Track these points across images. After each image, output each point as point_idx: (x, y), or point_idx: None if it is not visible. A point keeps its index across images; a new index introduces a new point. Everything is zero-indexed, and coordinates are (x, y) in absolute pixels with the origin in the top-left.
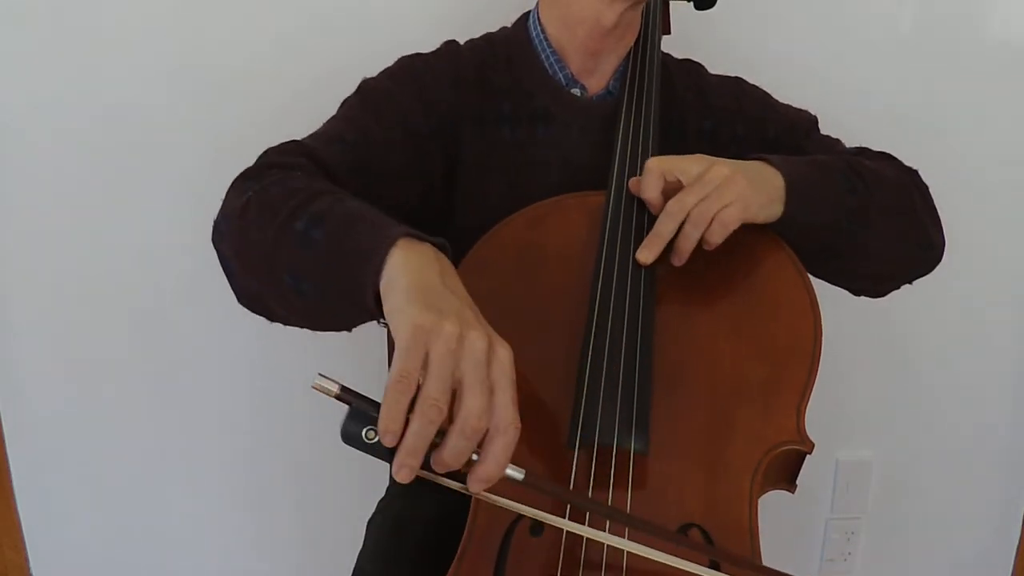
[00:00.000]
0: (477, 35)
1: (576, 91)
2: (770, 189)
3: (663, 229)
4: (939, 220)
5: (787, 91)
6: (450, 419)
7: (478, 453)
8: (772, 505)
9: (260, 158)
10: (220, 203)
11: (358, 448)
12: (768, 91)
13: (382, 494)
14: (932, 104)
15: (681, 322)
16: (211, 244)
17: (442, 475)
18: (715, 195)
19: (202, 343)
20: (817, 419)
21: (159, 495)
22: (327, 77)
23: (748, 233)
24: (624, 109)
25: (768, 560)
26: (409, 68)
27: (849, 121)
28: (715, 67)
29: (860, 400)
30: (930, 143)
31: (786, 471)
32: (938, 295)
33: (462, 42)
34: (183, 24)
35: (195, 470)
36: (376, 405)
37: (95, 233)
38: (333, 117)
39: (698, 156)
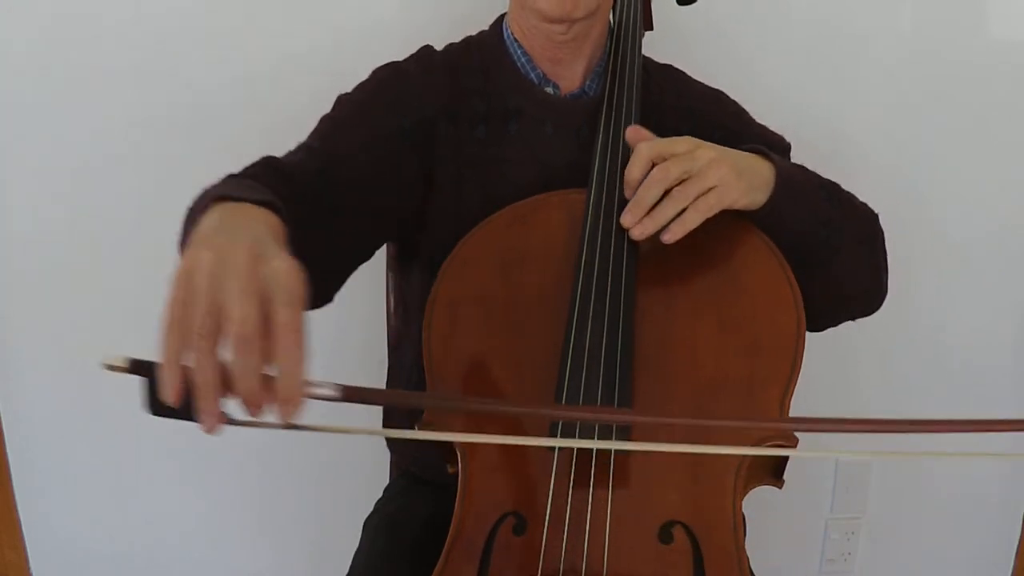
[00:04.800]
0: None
1: (549, 89)
2: (755, 177)
3: (646, 195)
4: (887, 266)
5: (783, 89)
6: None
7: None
8: (772, 505)
9: None
10: None
11: (170, 417)
12: (766, 88)
13: (380, 494)
14: (931, 104)
15: (663, 318)
16: None
17: (255, 419)
18: (699, 176)
19: None
20: None
21: (159, 496)
22: (326, 90)
23: (730, 227)
24: (604, 107)
25: (768, 560)
26: (381, 79)
27: (844, 119)
28: (705, 63)
29: (860, 400)
30: (930, 143)
31: (771, 467)
32: (938, 295)
33: (440, 47)
34: (189, 33)
35: (194, 470)
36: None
37: (96, 232)
38: (311, 133)
39: (687, 137)
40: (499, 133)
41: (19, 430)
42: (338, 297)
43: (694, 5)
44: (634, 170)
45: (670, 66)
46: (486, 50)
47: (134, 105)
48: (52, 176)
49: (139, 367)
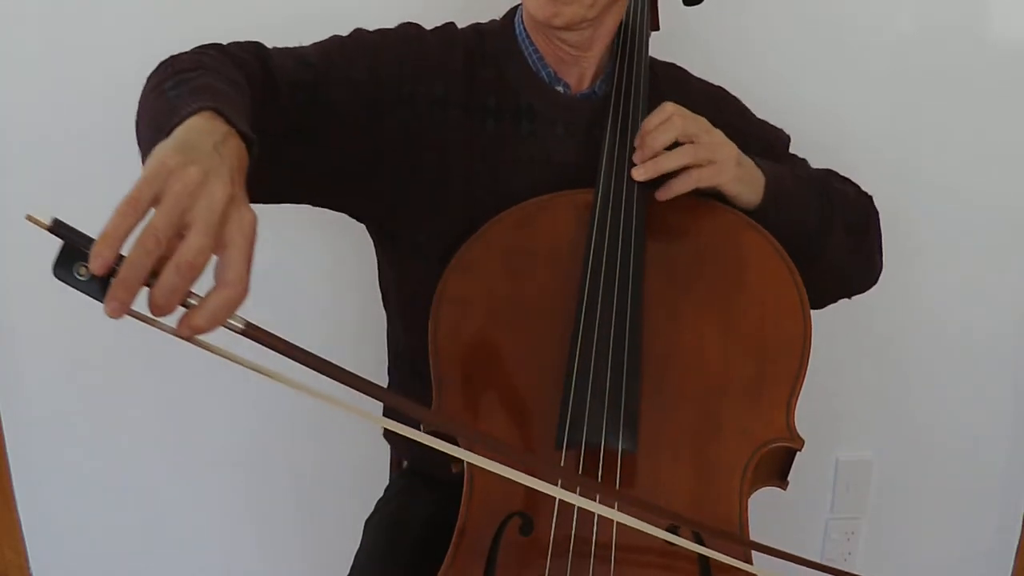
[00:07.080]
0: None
1: (560, 88)
2: (750, 173)
3: (659, 138)
4: (882, 245)
5: (786, 86)
6: None
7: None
8: (772, 505)
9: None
10: None
11: (71, 285)
12: (770, 86)
13: (381, 494)
14: (933, 100)
15: (669, 320)
16: None
17: (157, 320)
18: (707, 146)
19: None
20: (817, 419)
21: (159, 495)
22: None
23: (737, 230)
24: (612, 106)
25: (768, 561)
26: (404, 33)
27: (847, 116)
28: (710, 62)
29: (860, 400)
30: (930, 143)
31: (777, 468)
32: (938, 295)
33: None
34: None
35: (195, 470)
36: (92, 241)
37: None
38: (314, 43)
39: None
40: (509, 130)
41: (19, 430)
42: (336, 299)
43: (700, 5)
44: (655, 119)
45: (673, 64)
46: (499, 42)
47: (131, 92)
48: (51, 176)
49: (62, 230)
